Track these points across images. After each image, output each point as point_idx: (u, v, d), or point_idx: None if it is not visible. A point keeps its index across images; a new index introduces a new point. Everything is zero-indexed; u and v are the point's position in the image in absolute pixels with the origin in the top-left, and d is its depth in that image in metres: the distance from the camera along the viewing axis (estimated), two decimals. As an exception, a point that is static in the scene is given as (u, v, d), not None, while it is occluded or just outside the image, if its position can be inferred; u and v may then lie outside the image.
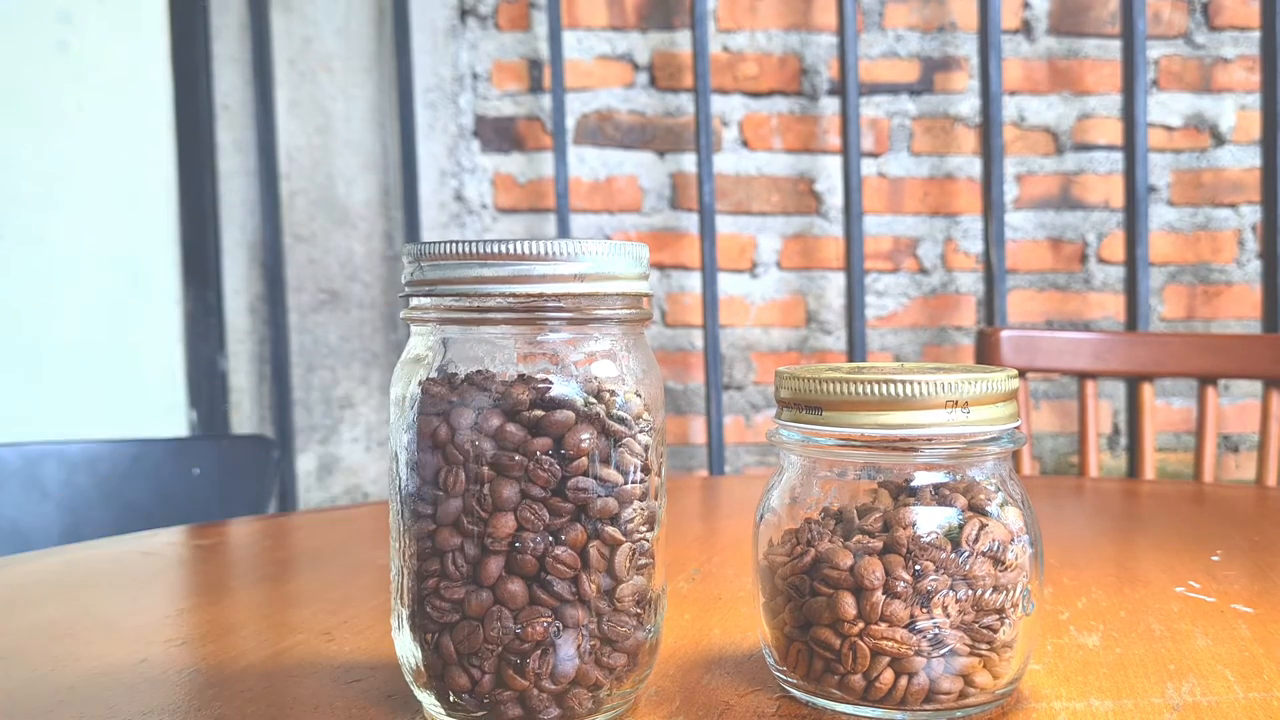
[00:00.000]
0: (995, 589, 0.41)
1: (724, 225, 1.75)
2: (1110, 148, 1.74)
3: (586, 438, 0.40)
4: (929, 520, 0.42)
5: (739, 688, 0.46)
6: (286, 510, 1.71)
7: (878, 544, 0.42)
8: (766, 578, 0.45)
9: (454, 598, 0.40)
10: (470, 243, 0.40)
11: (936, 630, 0.41)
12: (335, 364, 1.78)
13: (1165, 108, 1.73)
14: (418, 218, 1.73)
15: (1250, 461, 1.75)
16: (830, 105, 1.75)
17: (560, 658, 0.40)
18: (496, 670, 0.40)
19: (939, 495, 0.42)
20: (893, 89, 1.75)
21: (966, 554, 0.41)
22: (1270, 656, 0.50)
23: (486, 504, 0.40)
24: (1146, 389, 1.19)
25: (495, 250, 0.40)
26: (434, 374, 0.42)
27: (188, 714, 0.45)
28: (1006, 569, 0.42)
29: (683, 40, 1.74)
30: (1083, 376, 1.20)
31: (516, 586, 0.40)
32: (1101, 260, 1.75)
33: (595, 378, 0.42)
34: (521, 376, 0.41)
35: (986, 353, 1.20)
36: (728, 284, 1.76)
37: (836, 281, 1.76)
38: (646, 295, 0.44)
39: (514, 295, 0.40)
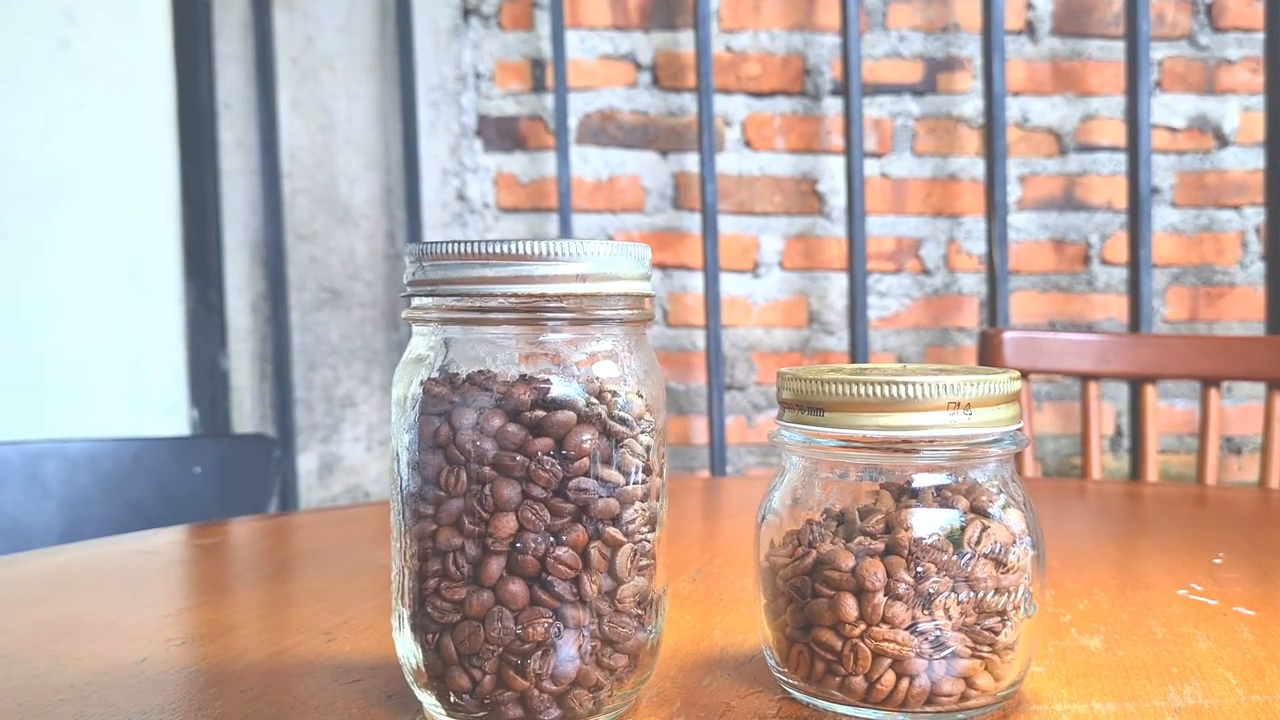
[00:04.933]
0: (997, 591, 0.41)
1: (726, 225, 1.75)
2: (1113, 149, 1.74)
3: (588, 438, 0.40)
4: (931, 522, 0.42)
5: (740, 689, 0.46)
6: (287, 509, 1.71)
7: (879, 546, 0.41)
8: (768, 579, 0.45)
9: (455, 598, 0.40)
10: (472, 243, 0.40)
11: (938, 632, 0.41)
12: (337, 363, 1.78)
13: (1169, 109, 1.73)
14: (420, 217, 1.73)
15: (1253, 464, 1.74)
16: (833, 105, 1.74)
17: (561, 658, 0.40)
18: (497, 671, 0.40)
19: (941, 497, 0.42)
20: (896, 89, 1.75)
21: (968, 556, 0.41)
22: (1272, 659, 0.50)
23: (488, 504, 0.39)
24: (1149, 391, 1.19)
25: (497, 250, 0.40)
26: (435, 374, 0.42)
27: (188, 713, 0.45)
28: (1008, 571, 0.42)
29: (685, 40, 1.74)
30: (1085, 378, 1.20)
31: (517, 587, 0.40)
32: (1104, 262, 1.75)
33: (597, 378, 0.42)
34: (523, 377, 0.41)
35: (989, 354, 1.20)
36: (730, 284, 1.76)
37: (839, 282, 1.76)
38: (648, 295, 0.44)
39: (516, 295, 0.40)
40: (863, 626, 0.41)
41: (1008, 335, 1.20)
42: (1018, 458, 0.52)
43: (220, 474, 1.14)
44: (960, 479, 0.43)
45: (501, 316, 0.41)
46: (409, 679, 0.43)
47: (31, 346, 1.70)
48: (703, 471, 1.78)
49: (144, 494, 1.10)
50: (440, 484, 0.40)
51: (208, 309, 1.75)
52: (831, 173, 1.75)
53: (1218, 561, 0.68)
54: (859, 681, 0.42)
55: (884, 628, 0.41)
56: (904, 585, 0.41)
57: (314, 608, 0.60)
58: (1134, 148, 1.58)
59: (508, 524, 0.39)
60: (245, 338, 1.77)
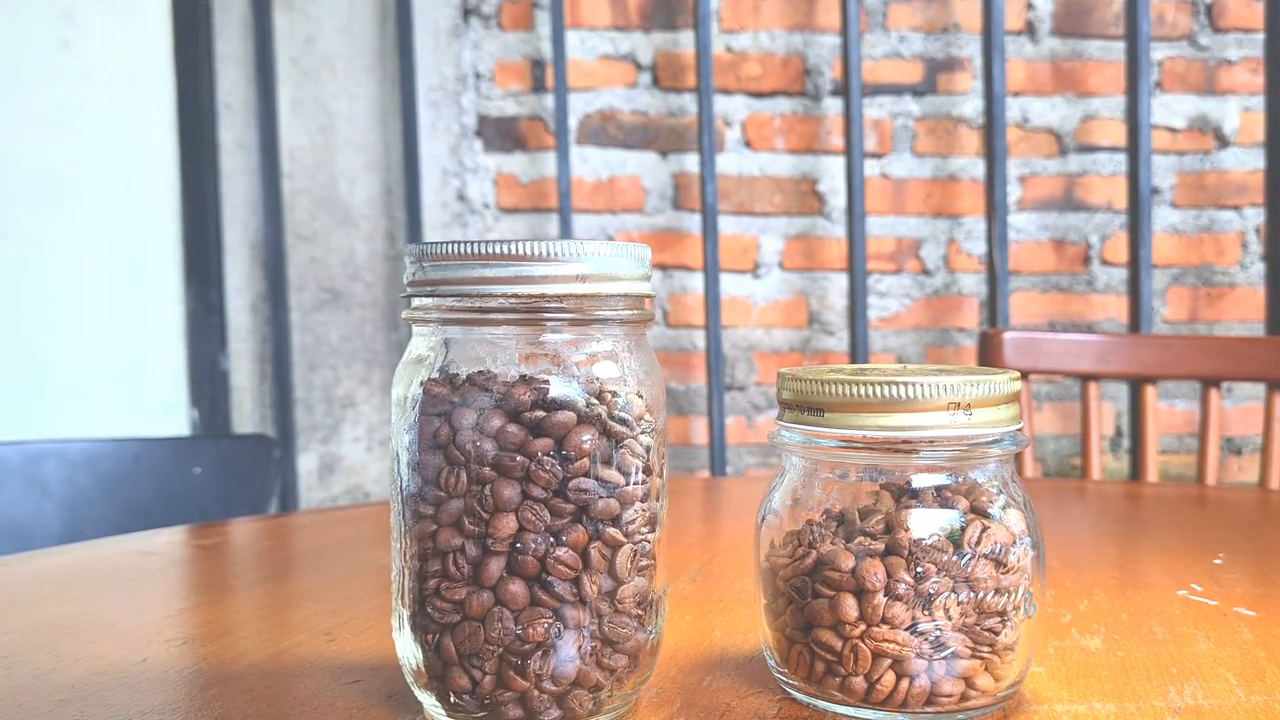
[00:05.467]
0: (997, 591, 0.41)
1: (726, 226, 1.75)
2: (1114, 149, 1.74)
3: (588, 439, 0.40)
4: (931, 522, 0.42)
5: (740, 689, 0.46)
6: (287, 510, 1.71)
7: (879, 546, 0.41)
8: (768, 579, 0.45)
9: (455, 598, 0.40)
10: (472, 243, 0.40)
11: (938, 632, 0.41)
12: (337, 363, 1.78)
13: (1169, 109, 1.73)
14: (420, 217, 1.73)
15: (1253, 464, 1.74)
16: (833, 106, 1.74)
17: (561, 659, 0.40)
18: (497, 671, 0.40)
19: (941, 497, 0.42)
20: (896, 90, 1.74)
21: (968, 556, 0.41)
22: (1272, 660, 0.50)
23: (488, 505, 0.39)
24: (1149, 391, 1.19)
25: (497, 250, 0.40)
26: (435, 374, 0.42)
27: (188, 714, 0.45)
28: (1008, 571, 0.42)
29: (686, 40, 1.74)
30: (1085, 378, 1.20)
31: (517, 587, 0.40)
32: (1104, 262, 1.75)
33: (597, 378, 0.41)
34: (523, 377, 0.41)
35: (989, 354, 1.20)
36: (730, 284, 1.76)
37: (839, 282, 1.76)
38: (648, 296, 0.44)
39: (516, 296, 0.40)
40: (863, 627, 0.41)
41: (1008, 335, 1.20)
42: (1018, 458, 0.52)
43: (220, 474, 1.14)
44: (960, 479, 0.43)
45: (501, 317, 0.41)
46: (409, 679, 0.43)
47: (31, 346, 1.70)
48: (703, 472, 1.78)
49: (144, 494, 1.10)
50: (440, 484, 0.40)
51: (208, 309, 1.75)
52: (831, 173, 1.75)
53: (1218, 562, 0.68)
54: (859, 682, 0.42)
55: (884, 628, 0.41)
56: (904, 586, 0.41)
57: (314, 608, 0.60)
58: (1134, 148, 1.58)
59: (508, 524, 0.39)
60: (245, 338, 1.77)
